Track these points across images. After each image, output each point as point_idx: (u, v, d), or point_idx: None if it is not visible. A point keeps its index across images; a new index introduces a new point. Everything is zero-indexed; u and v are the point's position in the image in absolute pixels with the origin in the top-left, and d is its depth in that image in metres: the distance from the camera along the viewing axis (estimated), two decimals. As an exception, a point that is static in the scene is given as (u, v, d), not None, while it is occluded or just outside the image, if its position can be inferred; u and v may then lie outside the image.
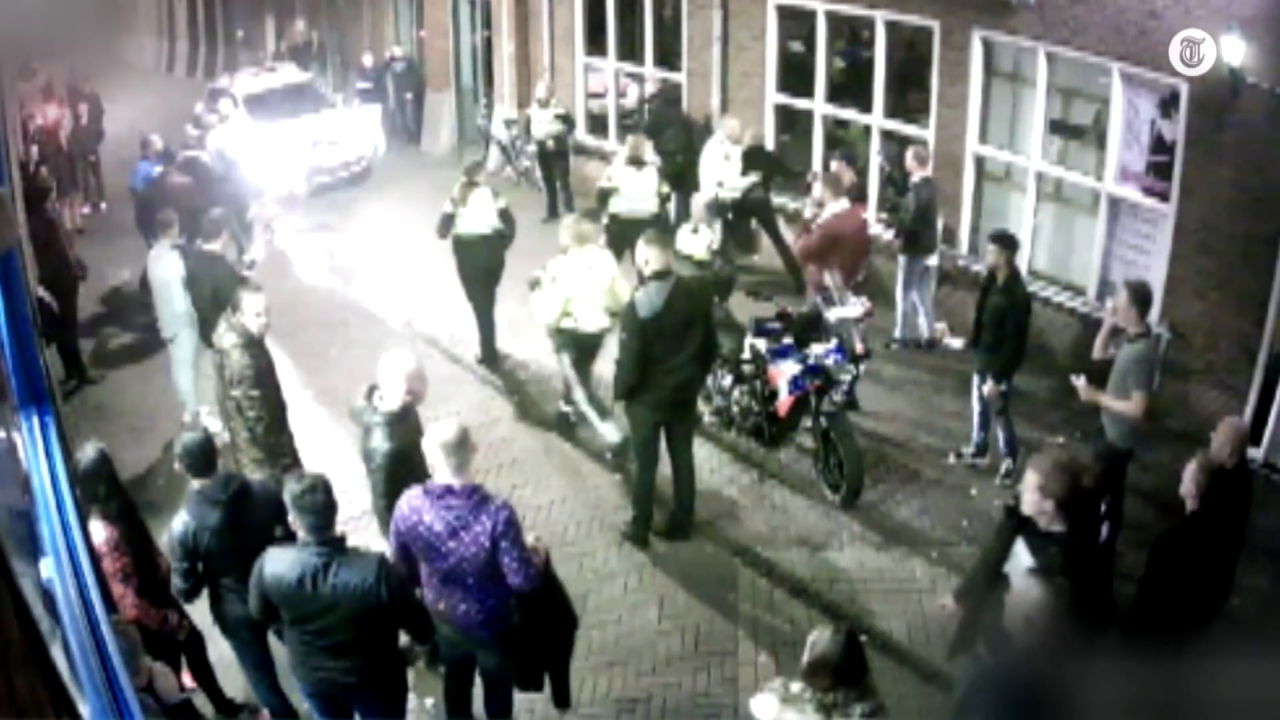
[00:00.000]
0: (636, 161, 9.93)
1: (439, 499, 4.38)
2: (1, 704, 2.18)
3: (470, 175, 8.95)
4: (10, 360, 3.99)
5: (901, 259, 9.14)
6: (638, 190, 9.88)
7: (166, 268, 8.15)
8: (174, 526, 4.77)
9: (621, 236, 9.41)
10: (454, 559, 4.39)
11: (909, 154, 8.98)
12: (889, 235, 9.44)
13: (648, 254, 6.46)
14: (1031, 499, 4.37)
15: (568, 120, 13.06)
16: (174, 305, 8.11)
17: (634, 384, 6.47)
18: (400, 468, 5.04)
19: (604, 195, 10.05)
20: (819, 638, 3.76)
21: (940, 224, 9.23)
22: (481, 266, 8.94)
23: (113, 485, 5.12)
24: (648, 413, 6.60)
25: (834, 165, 9.36)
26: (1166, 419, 7.88)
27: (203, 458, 4.89)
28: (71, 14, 21.58)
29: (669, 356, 6.41)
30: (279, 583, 4.26)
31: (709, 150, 10.55)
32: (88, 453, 5.05)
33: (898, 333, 9.31)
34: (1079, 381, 6.15)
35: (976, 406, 7.43)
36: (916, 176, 8.83)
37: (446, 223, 8.87)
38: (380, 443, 5.16)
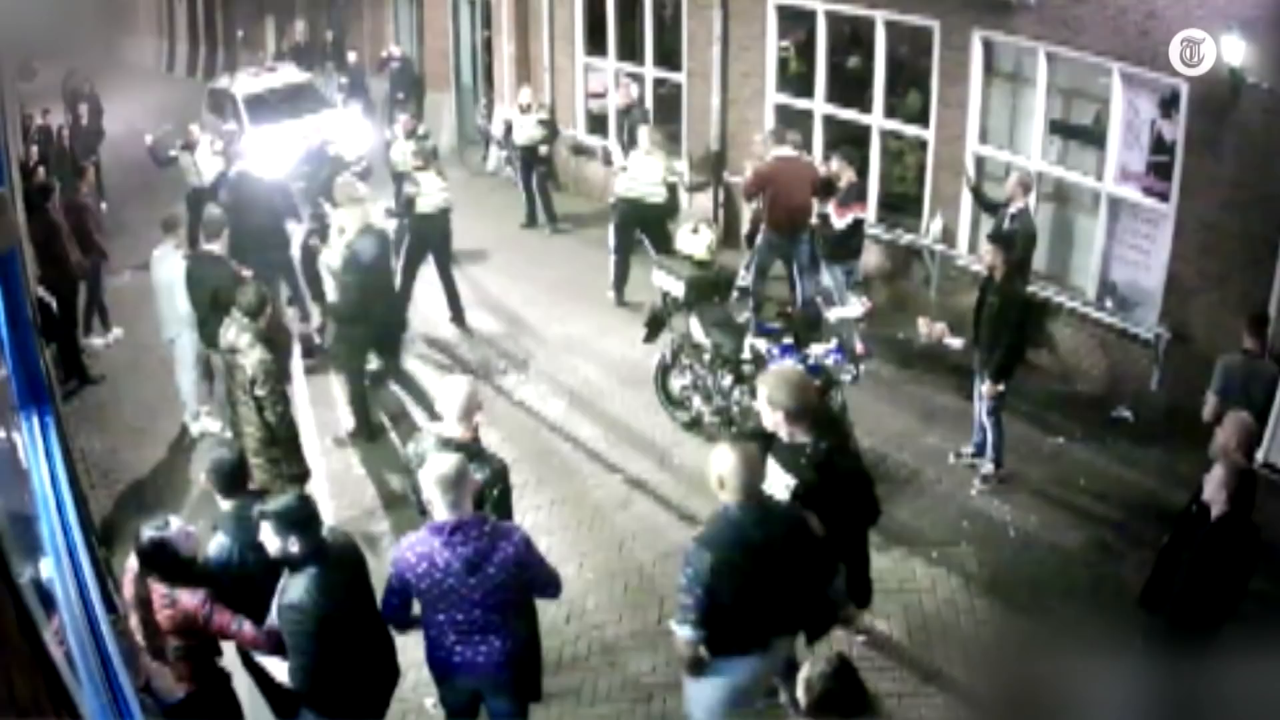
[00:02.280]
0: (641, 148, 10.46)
1: (450, 536, 4.14)
2: (1, 704, 2.18)
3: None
4: (10, 360, 3.99)
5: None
6: (644, 173, 10.24)
7: (170, 269, 8.10)
8: (210, 550, 4.61)
9: (628, 216, 10.33)
10: (479, 594, 4.19)
11: (1011, 179, 8.35)
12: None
13: (347, 216, 8.17)
14: (765, 414, 4.59)
15: (550, 127, 12.89)
16: (176, 307, 8.06)
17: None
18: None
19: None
20: (812, 675, 3.44)
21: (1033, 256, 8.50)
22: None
23: (174, 567, 4.54)
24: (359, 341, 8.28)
25: (834, 165, 9.35)
26: (1166, 419, 7.91)
27: (234, 476, 4.80)
28: (71, 14, 21.61)
29: (380, 298, 8.19)
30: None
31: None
32: (143, 537, 4.45)
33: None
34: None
35: (977, 405, 7.43)
36: (1016, 206, 8.14)
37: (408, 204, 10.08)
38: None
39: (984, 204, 8.88)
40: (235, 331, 6.43)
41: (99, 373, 9.59)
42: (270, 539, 4.24)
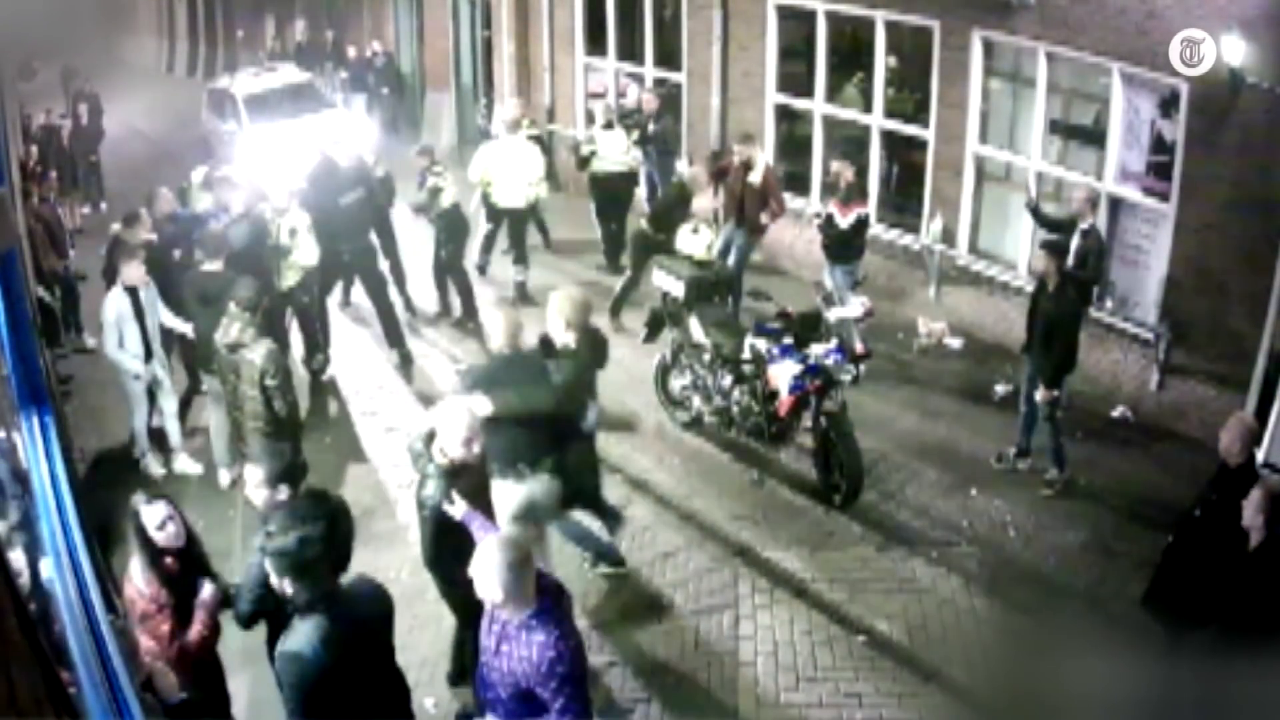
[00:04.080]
0: (608, 125, 11.18)
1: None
2: (1, 704, 2.18)
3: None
4: (10, 360, 3.99)
5: None
6: (611, 148, 11.01)
7: (118, 306, 7.54)
8: (253, 560, 4.46)
9: (603, 193, 11.12)
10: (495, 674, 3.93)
11: (1078, 197, 8.01)
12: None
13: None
14: (556, 328, 6.01)
15: (540, 143, 12.03)
16: (127, 345, 7.57)
17: None
18: (450, 525, 4.80)
19: (585, 160, 11.12)
20: None
21: (1103, 274, 8.27)
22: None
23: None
24: None
25: (834, 166, 9.36)
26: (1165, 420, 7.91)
27: (284, 475, 4.73)
28: (71, 14, 21.61)
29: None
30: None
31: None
32: (138, 506, 4.54)
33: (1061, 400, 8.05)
34: None
35: (1023, 408, 7.42)
36: (1085, 223, 7.82)
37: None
38: (431, 495, 4.83)
39: (1045, 222, 8.33)
40: (238, 328, 6.41)
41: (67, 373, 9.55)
42: (271, 574, 3.91)
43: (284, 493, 4.22)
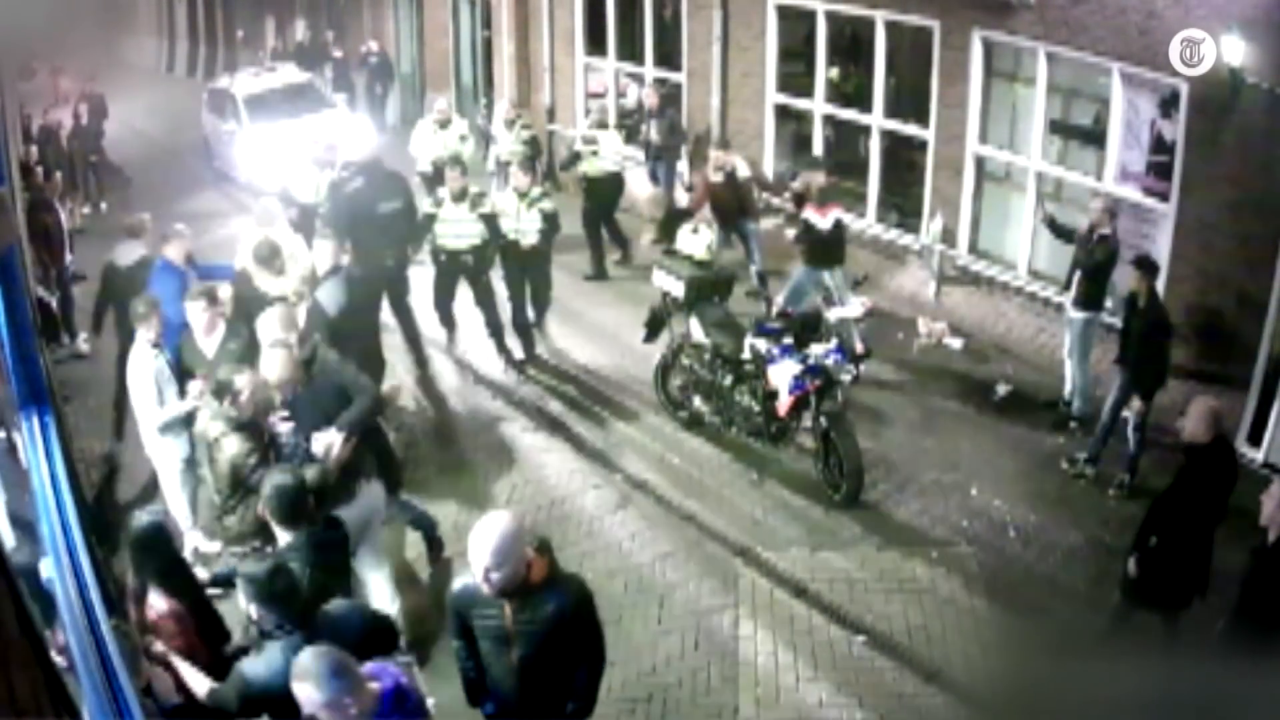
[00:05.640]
0: (601, 125, 11.40)
1: None
2: (1, 704, 2.18)
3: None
4: (10, 360, 3.99)
5: (1070, 315, 8.07)
6: (610, 147, 11.12)
7: (144, 366, 6.47)
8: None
9: (593, 194, 11.06)
10: None
11: (1096, 205, 7.93)
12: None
13: (323, 249, 7.35)
14: None
15: (534, 144, 12.31)
16: (158, 409, 6.45)
17: None
18: None
19: (574, 157, 11.25)
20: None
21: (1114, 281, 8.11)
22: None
23: (171, 557, 4.52)
24: None
25: (801, 175, 9.34)
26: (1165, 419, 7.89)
27: (294, 506, 4.53)
28: (71, 14, 21.59)
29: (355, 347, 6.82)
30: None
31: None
32: (141, 521, 4.48)
33: (1075, 405, 8.09)
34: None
35: (1105, 418, 7.41)
36: (1101, 231, 7.79)
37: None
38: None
39: (1060, 233, 8.28)
40: (208, 416, 5.53)
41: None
42: (241, 598, 3.91)
43: (259, 616, 3.88)
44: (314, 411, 5.52)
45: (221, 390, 5.38)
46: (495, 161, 12.68)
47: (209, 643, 4.47)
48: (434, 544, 6.71)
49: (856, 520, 7.04)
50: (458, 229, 8.92)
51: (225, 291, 6.99)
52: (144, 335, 6.47)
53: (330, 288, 7.08)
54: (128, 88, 20.32)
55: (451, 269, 9.15)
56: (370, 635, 4.07)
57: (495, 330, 9.24)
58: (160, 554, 4.45)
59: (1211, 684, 4.45)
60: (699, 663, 5.94)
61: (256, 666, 3.82)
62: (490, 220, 8.99)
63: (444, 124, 11.79)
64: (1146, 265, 7.25)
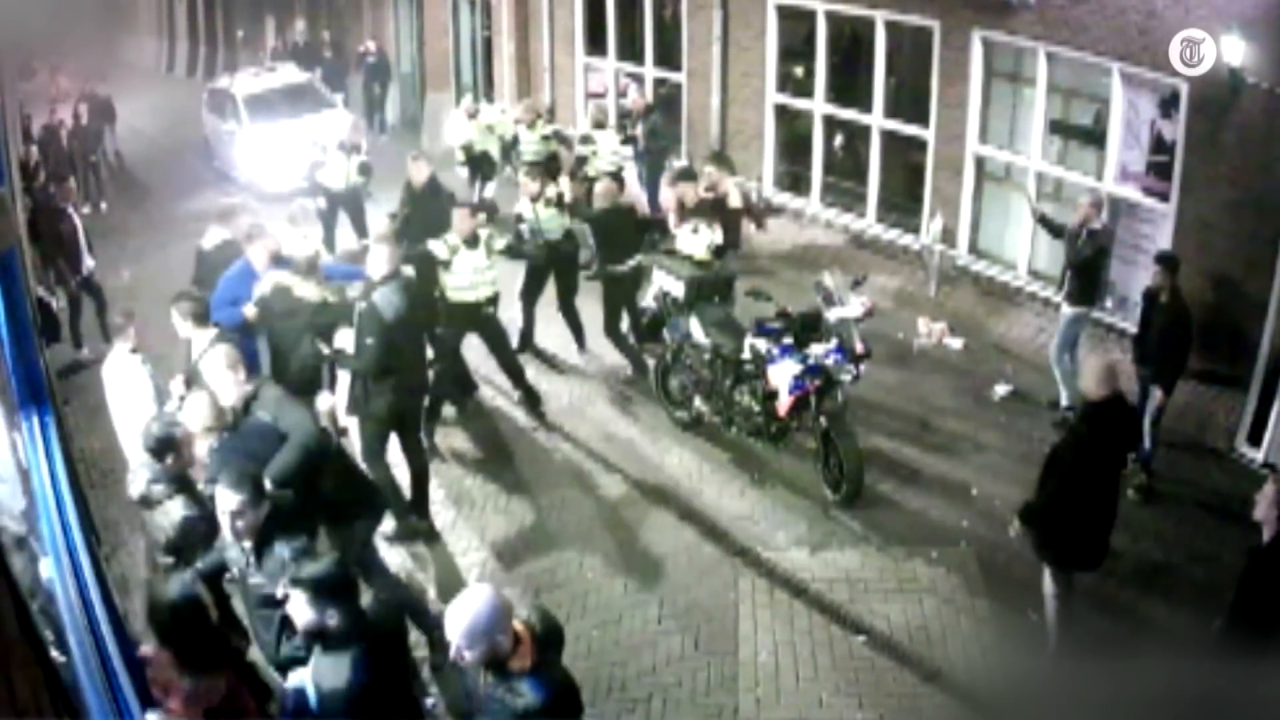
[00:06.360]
0: (599, 125, 11.43)
1: None
2: (1, 704, 2.19)
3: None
4: (10, 360, 3.99)
5: (1063, 311, 8.13)
6: (603, 149, 11.19)
7: (124, 377, 6.30)
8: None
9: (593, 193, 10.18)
10: None
11: (1084, 202, 8.00)
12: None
13: (379, 254, 6.67)
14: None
15: (562, 139, 12.12)
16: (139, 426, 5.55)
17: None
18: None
19: (581, 161, 11.20)
20: None
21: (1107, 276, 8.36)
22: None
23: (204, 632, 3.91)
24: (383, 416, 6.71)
25: (708, 169, 9.29)
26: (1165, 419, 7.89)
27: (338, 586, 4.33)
28: (71, 14, 21.59)
29: (407, 359, 6.58)
30: None
31: None
32: (170, 593, 3.89)
33: (1064, 399, 8.08)
34: None
35: (1146, 425, 7.24)
36: (1090, 226, 7.85)
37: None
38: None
39: (1051, 229, 8.31)
40: (146, 476, 4.93)
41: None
42: (302, 611, 3.69)
43: (334, 619, 3.71)
44: (241, 461, 4.76)
45: (161, 447, 4.76)
46: (516, 162, 12.44)
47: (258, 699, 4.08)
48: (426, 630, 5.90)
49: (856, 520, 7.04)
50: (473, 278, 7.87)
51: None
52: (122, 345, 6.36)
53: (387, 293, 6.59)
54: (128, 88, 20.33)
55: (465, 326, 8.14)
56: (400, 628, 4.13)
57: (514, 373, 8.55)
58: (192, 628, 3.83)
59: (1210, 684, 4.45)
60: (699, 663, 5.94)
61: (341, 677, 3.66)
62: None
63: (473, 115, 12.47)
64: (1168, 260, 7.25)
